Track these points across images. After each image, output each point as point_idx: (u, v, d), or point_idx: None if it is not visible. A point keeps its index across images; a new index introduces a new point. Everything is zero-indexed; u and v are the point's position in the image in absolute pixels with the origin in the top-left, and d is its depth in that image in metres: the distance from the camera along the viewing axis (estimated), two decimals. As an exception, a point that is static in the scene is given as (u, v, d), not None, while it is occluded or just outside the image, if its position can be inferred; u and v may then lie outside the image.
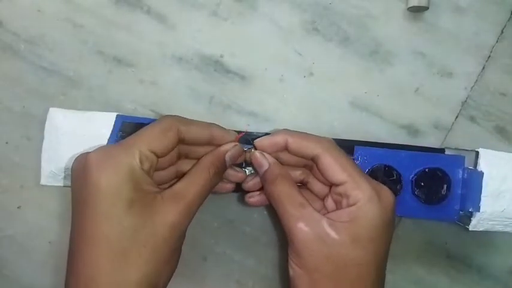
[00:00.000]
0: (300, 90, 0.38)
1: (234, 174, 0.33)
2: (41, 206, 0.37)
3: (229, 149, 0.32)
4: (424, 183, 0.34)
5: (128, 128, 0.34)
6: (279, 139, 0.32)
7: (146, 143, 0.28)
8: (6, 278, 0.37)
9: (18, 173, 0.37)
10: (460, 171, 0.34)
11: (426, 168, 0.34)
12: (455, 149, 0.37)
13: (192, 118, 0.31)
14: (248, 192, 0.34)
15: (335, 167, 0.30)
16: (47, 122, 0.35)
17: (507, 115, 0.37)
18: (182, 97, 0.37)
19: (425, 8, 0.37)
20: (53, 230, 0.37)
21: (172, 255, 0.29)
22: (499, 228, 0.35)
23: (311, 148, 0.31)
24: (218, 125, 0.32)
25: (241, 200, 0.36)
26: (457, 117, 0.38)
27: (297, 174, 0.33)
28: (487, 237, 0.37)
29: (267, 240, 0.37)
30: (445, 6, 0.38)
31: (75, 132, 0.35)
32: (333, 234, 0.28)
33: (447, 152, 0.36)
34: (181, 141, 0.30)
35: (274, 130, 0.37)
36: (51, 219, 0.37)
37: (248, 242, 0.37)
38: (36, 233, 0.37)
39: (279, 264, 0.37)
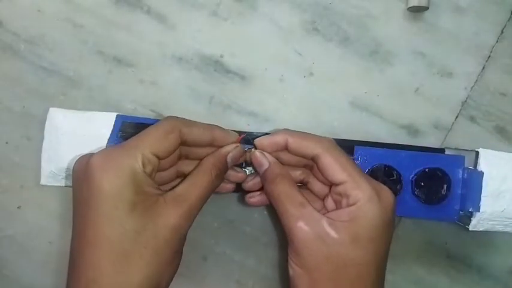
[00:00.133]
0: (300, 90, 0.38)
1: (234, 174, 0.33)
2: (41, 206, 0.37)
3: (231, 151, 0.32)
4: (424, 183, 0.34)
5: (128, 128, 0.34)
6: (279, 139, 0.32)
7: (148, 145, 0.28)
8: (6, 278, 0.37)
9: (18, 173, 0.37)
10: (460, 171, 0.34)
11: (426, 168, 0.34)
12: (455, 149, 0.37)
13: (192, 118, 0.31)
14: (248, 192, 0.34)
15: (335, 166, 0.30)
16: (47, 122, 0.35)
17: (507, 115, 0.37)
18: (182, 97, 0.37)
19: (425, 8, 0.37)
20: (53, 230, 0.37)
21: (174, 257, 0.29)
22: (499, 228, 0.35)
23: (311, 148, 0.31)
24: (220, 127, 0.32)
25: (242, 200, 0.37)
26: (457, 117, 0.38)
27: (297, 174, 0.33)
28: (487, 237, 0.37)
29: (267, 240, 0.37)
30: (445, 6, 0.38)
31: (75, 132, 0.35)
32: (332, 233, 0.28)
33: (447, 152, 0.36)
34: (183, 143, 0.30)
35: (275, 130, 0.37)
36: (51, 219, 0.37)
37: (248, 242, 0.37)
38: (36, 233, 0.37)
39: (279, 264, 0.37)
